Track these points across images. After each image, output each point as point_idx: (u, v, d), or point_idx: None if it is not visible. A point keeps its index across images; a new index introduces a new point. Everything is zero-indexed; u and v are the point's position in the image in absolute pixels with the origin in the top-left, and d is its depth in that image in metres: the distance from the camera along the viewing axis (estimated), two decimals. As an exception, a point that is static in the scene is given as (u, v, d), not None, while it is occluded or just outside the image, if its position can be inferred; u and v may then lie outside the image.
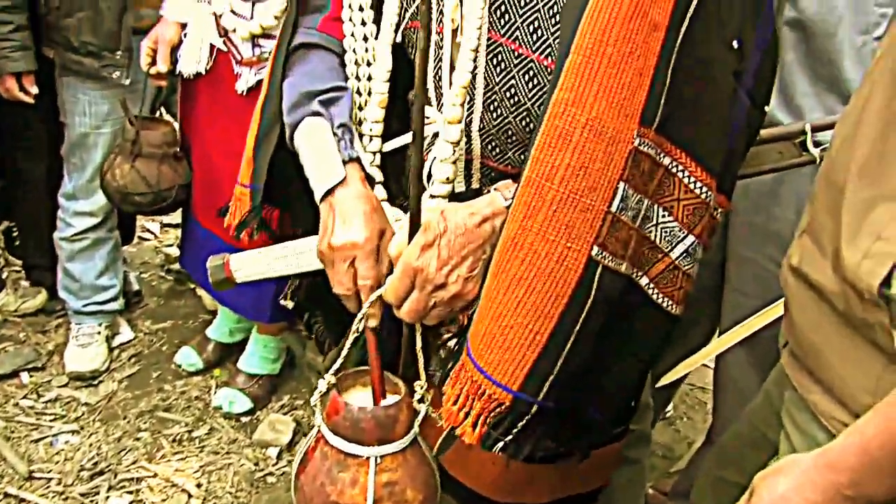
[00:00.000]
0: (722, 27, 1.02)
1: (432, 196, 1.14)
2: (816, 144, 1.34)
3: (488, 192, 1.11)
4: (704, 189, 1.05)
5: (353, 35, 1.23)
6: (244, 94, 2.04)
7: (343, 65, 1.26)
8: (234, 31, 2.01)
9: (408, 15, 1.20)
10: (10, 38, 2.16)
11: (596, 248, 0.98)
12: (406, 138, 1.20)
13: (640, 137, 0.97)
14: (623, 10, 0.94)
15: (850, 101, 1.08)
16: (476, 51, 1.08)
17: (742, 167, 1.20)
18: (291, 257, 1.26)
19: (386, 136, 1.22)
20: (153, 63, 2.17)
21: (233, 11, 2.01)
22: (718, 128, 1.05)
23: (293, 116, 1.24)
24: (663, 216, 1.04)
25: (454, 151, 1.12)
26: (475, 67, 1.09)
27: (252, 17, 1.98)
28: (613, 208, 0.98)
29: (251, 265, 1.28)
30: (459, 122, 1.10)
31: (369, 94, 1.22)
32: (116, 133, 2.35)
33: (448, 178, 1.13)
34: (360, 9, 1.21)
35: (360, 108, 1.24)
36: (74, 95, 2.31)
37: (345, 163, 1.17)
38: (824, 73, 1.55)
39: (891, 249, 0.90)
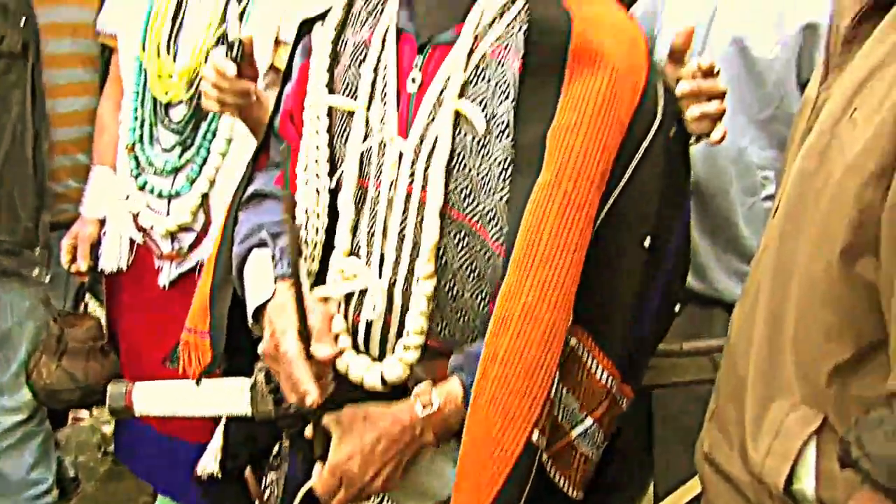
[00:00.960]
0: (635, 225, 1.10)
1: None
2: None
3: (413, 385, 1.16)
4: (608, 376, 1.11)
5: (306, 183, 1.26)
6: (166, 287, 2.02)
7: None
8: (152, 227, 1.99)
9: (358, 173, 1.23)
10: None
11: (536, 433, 1.03)
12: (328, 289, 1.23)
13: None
14: (555, 206, 1.02)
15: (742, 293, 1.10)
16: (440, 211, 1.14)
17: (658, 378, 1.25)
18: (207, 396, 1.22)
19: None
20: (73, 260, 2.14)
21: (149, 207, 2.00)
22: (626, 319, 1.12)
23: (242, 247, 1.28)
24: (566, 395, 1.11)
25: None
26: (442, 225, 1.14)
27: (168, 213, 1.97)
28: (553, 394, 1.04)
29: (157, 398, 1.22)
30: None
31: (314, 246, 1.27)
32: (40, 328, 2.28)
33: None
34: (316, 162, 1.25)
35: (307, 259, 1.28)
36: (-5, 293, 2.25)
37: (277, 280, 1.21)
38: (721, 233, 1.61)
39: (789, 446, 0.92)
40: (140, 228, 2.04)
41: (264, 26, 1.85)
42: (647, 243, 1.10)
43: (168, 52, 1.96)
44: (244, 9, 1.78)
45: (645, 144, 1.08)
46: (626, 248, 1.10)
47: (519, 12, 1.11)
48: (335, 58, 1.26)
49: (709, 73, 1.23)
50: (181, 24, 1.97)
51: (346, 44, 1.26)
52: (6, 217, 2.14)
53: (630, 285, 1.11)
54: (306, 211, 1.25)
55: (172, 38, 1.97)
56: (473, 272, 1.14)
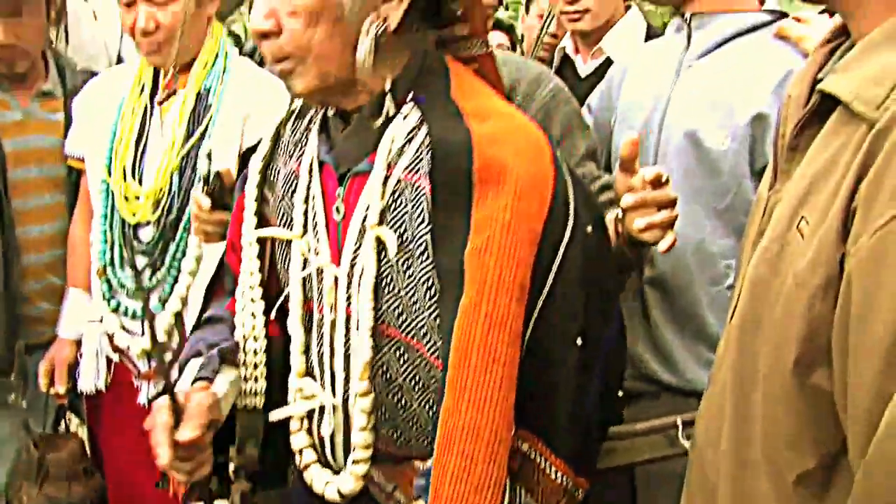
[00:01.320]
0: (566, 327, 1.14)
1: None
2: (688, 437, 1.38)
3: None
4: (561, 475, 1.15)
5: (242, 309, 1.33)
6: (146, 406, 2.01)
7: None
8: (128, 348, 2.01)
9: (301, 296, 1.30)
10: None
11: None
12: (287, 410, 1.31)
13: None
14: (479, 327, 1.06)
15: (704, 396, 1.13)
16: (372, 330, 1.20)
17: (613, 458, 1.28)
18: None
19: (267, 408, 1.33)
20: (52, 383, 2.14)
21: (124, 328, 2.01)
22: (569, 417, 1.15)
23: (182, 359, 1.33)
24: (526, 497, 1.14)
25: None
26: (375, 343, 1.20)
27: (143, 333, 1.98)
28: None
29: None
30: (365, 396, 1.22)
31: (255, 367, 1.33)
32: (20, 451, 2.26)
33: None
34: (251, 287, 1.33)
35: (246, 380, 1.34)
36: (-28, 421, 2.23)
37: (195, 381, 1.25)
38: (688, 324, 1.64)
39: None
40: (116, 349, 2.05)
41: (227, 139, 1.90)
42: (579, 341, 1.14)
43: (133, 175, 2.00)
44: (210, 149, 1.84)
45: (562, 251, 1.12)
46: (561, 349, 1.14)
47: (425, 136, 1.16)
48: (265, 185, 1.35)
49: (656, 182, 1.26)
50: (145, 146, 2.01)
51: (278, 173, 1.33)
52: None
53: (569, 384, 1.14)
54: (244, 336, 1.33)
55: (137, 161, 2.01)
56: (418, 384, 1.20)
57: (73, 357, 2.14)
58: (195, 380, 1.25)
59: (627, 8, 2.49)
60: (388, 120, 1.19)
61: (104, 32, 2.57)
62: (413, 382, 1.20)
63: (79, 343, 2.14)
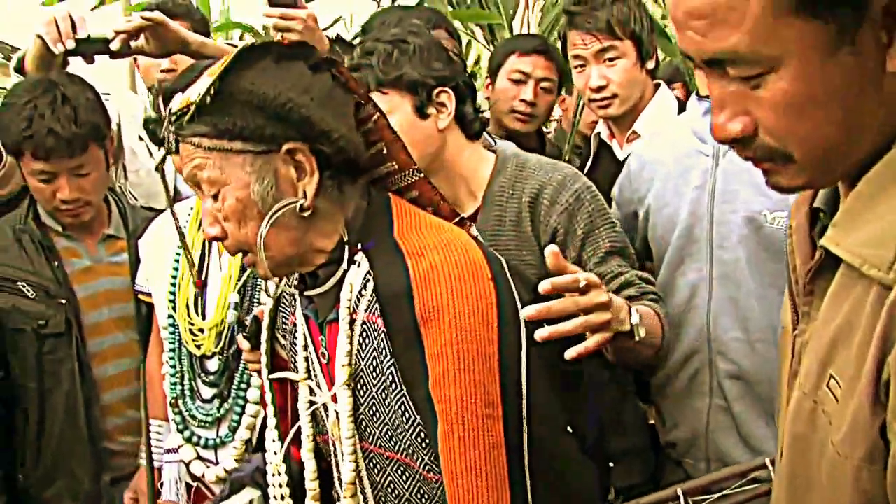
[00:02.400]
0: (552, 421, 1.24)
1: None
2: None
3: None
4: None
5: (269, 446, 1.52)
6: (226, 531, 2.09)
7: None
8: (203, 475, 2.09)
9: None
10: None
11: None
12: None
13: None
14: (457, 451, 1.17)
15: None
16: (354, 455, 1.33)
17: None
18: None
19: None
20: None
21: (199, 457, 2.10)
22: (581, 499, 1.26)
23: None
24: None
25: None
26: (358, 469, 1.34)
27: (217, 462, 2.07)
28: None
29: None
30: None
31: (282, 498, 1.48)
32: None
33: None
34: (272, 427, 1.52)
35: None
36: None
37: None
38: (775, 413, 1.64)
39: None
40: (193, 476, 2.13)
41: None
42: (569, 429, 1.26)
43: (196, 310, 2.10)
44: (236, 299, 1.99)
45: (524, 359, 1.20)
46: (555, 440, 1.23)
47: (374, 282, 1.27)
48: (276, 335, 1.53)
49: (568, 288, 1.29)
50: (206, 279, 2.11)
51: (284, 323, 1.51)
52: (67, 484, 2.26)
53: (572, 467, 1.25)
54: (271, 472, 1.50)
55: (199, 295, 2.10)
56: (423, 496, 1.31)
57: (156, 486, 2.21)
58: None
59: (657, 87, 2.50)
60: (347, 268, 1.31)
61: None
62: (419, 495, 1.31)
63: (161, 471, 2.22)
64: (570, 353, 1.30)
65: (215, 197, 1.26)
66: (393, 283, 1.23)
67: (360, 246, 1.30)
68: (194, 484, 2.15)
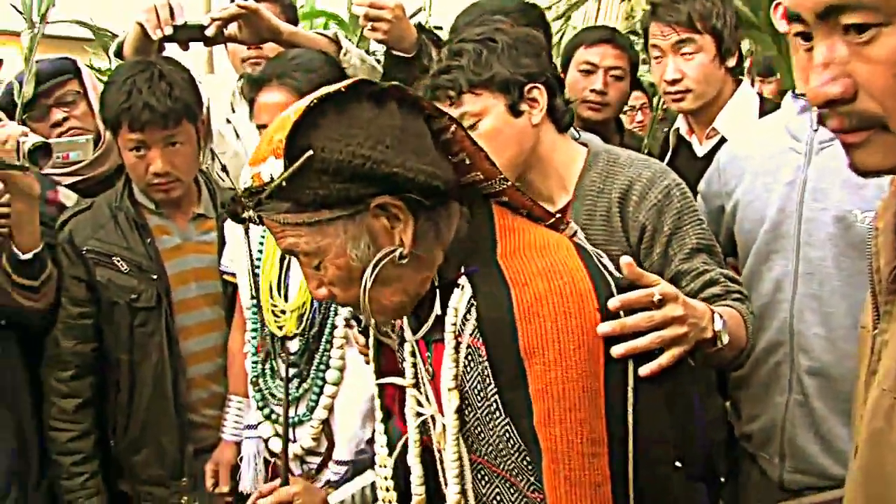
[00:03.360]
0: (663, 456, 1.21)
1: None
2: None
3: None
4: None
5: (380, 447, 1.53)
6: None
7: None
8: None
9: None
10: (85, 486, 2.34)
11: None
12: None
13: None
14: (562, 488, 1.16)
15: None
16: (460, 476, 1.32)
17: None
18: None
19: None
20: (217, 484, 2.33)
21: (277, 434, 2.16)
22: None
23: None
24: None
25: None
26: (463, 485, 1.33)
27: (294, 440, 2.13)
28: None
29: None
30: None
31: (386, 490, 1.51)
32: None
33: None
34: (380, 433, 1.54)
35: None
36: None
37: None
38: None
39: None
40: (272, 453, 2.20)
41: None
42: (678, 463, 1.22)
43: (279, 291, 2.16)
44: None
45: (630, 393, 1.17)
46: (665, 477, 1.20)
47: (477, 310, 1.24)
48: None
49: (639, 304, 1.25)
50: (290, 262, 2.17)
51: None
52: (154, 452, 2.36)
53: (681, 501, 1.23)
54: (379, 463, 1.52)
55: (283, 277, 2.16)
56: None
57: (235, 458, 2.31)
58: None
59: (738, 83, 2.45)
60: (450, 292, 1.28)
61: (248, 151, 2.77)
62: None
63: (240, 445, 2.31)
64: (643, 371, 1.23)
65: (317, 267, 1.24)
66: (496, 314, 1.19)
67: (462, 269, 1.26)
68: (272, 460, 2.22)
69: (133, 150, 2.24)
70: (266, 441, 2.20)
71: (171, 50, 2.43)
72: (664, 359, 1.25)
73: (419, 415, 1.41)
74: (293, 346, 2.14)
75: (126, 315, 2.32)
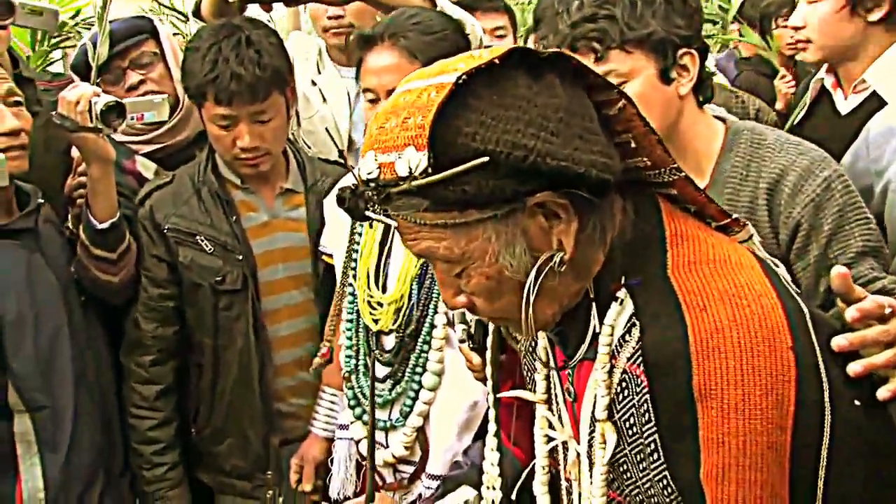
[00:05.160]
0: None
1: None
2: None
3: None
4: None
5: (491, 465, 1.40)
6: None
7: None
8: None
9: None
10: (165, 477, 2.22)
11: None
12: None
13: None
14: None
15: None
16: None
17: None
18: None
19: None
20: (301, 480, 2.18)
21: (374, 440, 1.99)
22: None
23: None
24: None
25: None
26: None
27: (387, 445, 1.96)
28: None
29: None
30: None
31: None
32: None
33: None
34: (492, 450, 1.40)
35: None
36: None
37: None
38: None
39: None
40: (363, 456, 2.03)
41: None
42: None
43: (377, 282, 1.97)
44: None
45: (824, 453, 1.00)
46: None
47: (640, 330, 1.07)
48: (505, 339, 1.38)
49: (874, 315, 1.09)
50: (389, 251, 1.98)
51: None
52: (237, 443, 2.24)
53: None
54: (487, 485, 1.39)
55: (381, 267, 1.97)
56: None
57: (323, 455, 2.17)
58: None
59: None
60: (606, 306, 1.10)
61: (335, 115, 2.59)
62: None
63: (331, 441, 2.16)
64: (882, 394, 1.06)
65: (458, 275, 1.07)
66: (667, 343, 1.02)
67: (623, 280, 1.09)
68: (364, 464, 2.06)
69: (218, 123, 2.08)
70: (357, 443, 2.03)
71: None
72: (890, 387, 1.06)
73: (549, 439, 1.26)
74: (388, 342, 1.97)
75: (210, 298, 2.17)
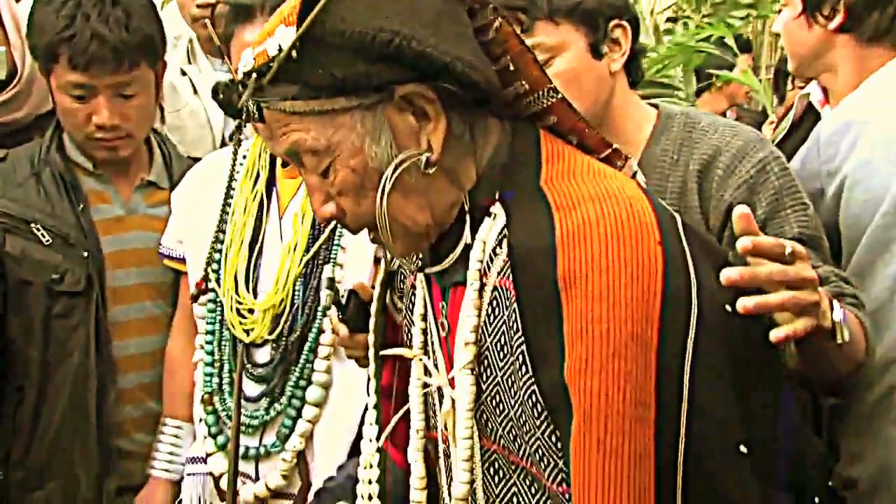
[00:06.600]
0: (719, 433, 1.02)
1: None
2: None
3: None
4: None
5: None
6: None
7: None
8: (238, 494, 1.71)
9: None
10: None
11: None
12: None
13: None
14: (592, 456, 0.98)
15: None
16: (470, 460, 1.14)
17: None
18: None
19: None
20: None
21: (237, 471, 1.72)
22: None
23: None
24: None
25: None
26: (472, 477, 1.15)
27: (257, 478, 1.70)
28: None
29: None
30: None
31: (370, 497, 1.31)
32: None
33: None
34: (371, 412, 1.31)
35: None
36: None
37: None
38: None
39: None
40: (223, 495, 1.74)
41: (358, 247, 1.66)
42: (743, 449, 1.03)
43: (248, 285, 1.72)
44: (333, 274, 1.64)
45: (690, 348, 1.00)
46: (724, 463, 1.02)
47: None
48: (391, 296, 1.36)
49: (772, 253, 1.08)
50: (261, 248, 1.74)
51: (403, 281, 1.33)
52: (62, 486, 1.86)
53: (742, 497, 1.04)
54: (363, 465, 1.32)
55: (252, 267, 1.74)
56: None
57: (169, 502, 1.86)
58: None
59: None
60: (479, 221, 1.12)
61: (208, 110, 2.33)
62: None
63: (177, 485, 1.85)
64: (775, 335, 1.08)
65: (325, 173, 1.08)
66: (532, 238, 1.04)
67: (497, 196, 1.11)
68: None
69: (72, 92, 1.80)
70: (218, 479, 1.73)
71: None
72: (799, 325, 1.09)
73: (425, 386, 1.24)
74: (261, 355, 1.71)
75: (42, 300, 1.84)
